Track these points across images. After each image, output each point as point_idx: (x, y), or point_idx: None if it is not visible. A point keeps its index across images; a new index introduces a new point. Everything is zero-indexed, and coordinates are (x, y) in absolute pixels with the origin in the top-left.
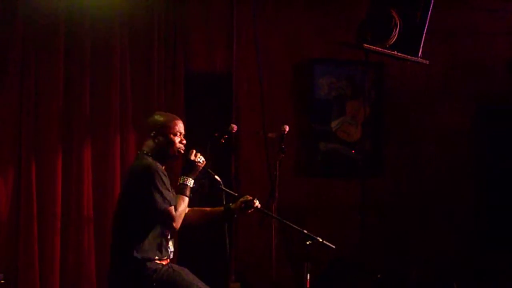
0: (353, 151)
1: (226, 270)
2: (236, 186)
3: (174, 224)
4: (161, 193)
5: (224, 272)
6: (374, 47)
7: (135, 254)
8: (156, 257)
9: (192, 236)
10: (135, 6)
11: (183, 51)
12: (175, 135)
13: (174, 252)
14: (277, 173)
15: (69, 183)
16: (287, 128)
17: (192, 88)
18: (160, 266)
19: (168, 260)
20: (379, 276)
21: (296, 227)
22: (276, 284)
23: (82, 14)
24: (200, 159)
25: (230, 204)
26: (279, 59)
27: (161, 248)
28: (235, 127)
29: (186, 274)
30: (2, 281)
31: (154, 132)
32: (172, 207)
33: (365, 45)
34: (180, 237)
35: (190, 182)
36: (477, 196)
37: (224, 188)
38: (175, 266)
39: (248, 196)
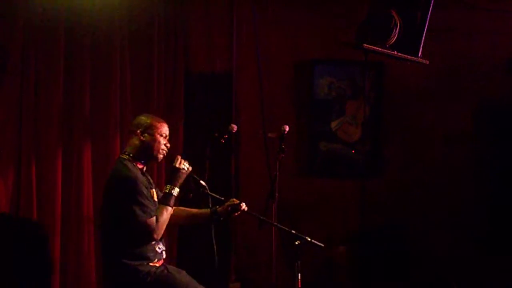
0: (353, 151)
1: (223, 270)
2: (236, 186)
3: (155, 236)
4: (141, 205)
5: (223, 272)
6: (374, 47)
7: (125, 260)
8: (146, 261)
9: (192, 237)
10: (135, 6)
11: (183, 51)
12: (160, 135)
13: (171, 252)
14: (277, 173)
15: (69, 183)
16: (287, 128)
17: (192, 88)
18: (154, 269)
19: (162, 261)
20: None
21: (283, 227)
22: (276, 284)
23: (82, 14)
24: (185, 166)
25: (217, 207)
26: (279, 59)
27: (150, 250)
28: (235, 127)
29: (183, 276)
30: None
31: (140, 130)
32: (153, 219)
33: (365, 45)
34: (180, 237)
35: (176, 191)
36: (477, 196)
37: (209, 192)
38: (171, 268)
39: (234, 199)
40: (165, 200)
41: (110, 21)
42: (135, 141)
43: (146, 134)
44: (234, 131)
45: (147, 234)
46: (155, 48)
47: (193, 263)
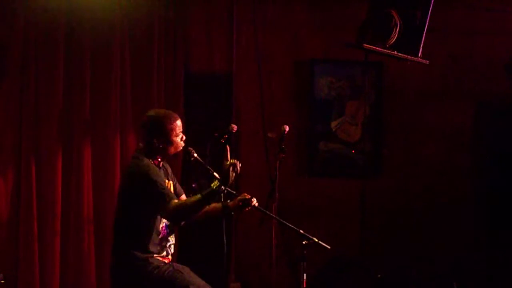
0: (353, 151)
1: (226, 270)
2: (236, 186)
3: (172, 218)
4: (163, 189)
5: (224, 272)
6: (374, 47)
7: (137, 252)
8: (156, 254)
9: (192, 236)
10: (135, 6)
11: (183, 51)
12: (176, 136)
13: (174, 251)
14: (277, 173)
15: (69, 183)
16: (287, 128)
17: (192, 88)
18: (162, 264)
19: (170, 257)
20: (379, 276)
21: (292, 226)
22: (276, 284)
23: (82, 14)
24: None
25: (228, 201)
26: (279, 59)
27: (161, 244)
28: (235, 127)
29: (187, 273)
30: (2, 281)
31: (156, 139)
32: (173, 201)
33: (365, 45)
34: (180, 237)
35: (223, 191)
36: (477, 195)
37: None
38: (177, 265)
39: (246, 194)
40: (209, 197)
41: (110, 21)
42: (150, 141)
43: (162, 141)
44: (234, 131)
45: (170, 216)
46: (155, 48)
47: (193, 262)
